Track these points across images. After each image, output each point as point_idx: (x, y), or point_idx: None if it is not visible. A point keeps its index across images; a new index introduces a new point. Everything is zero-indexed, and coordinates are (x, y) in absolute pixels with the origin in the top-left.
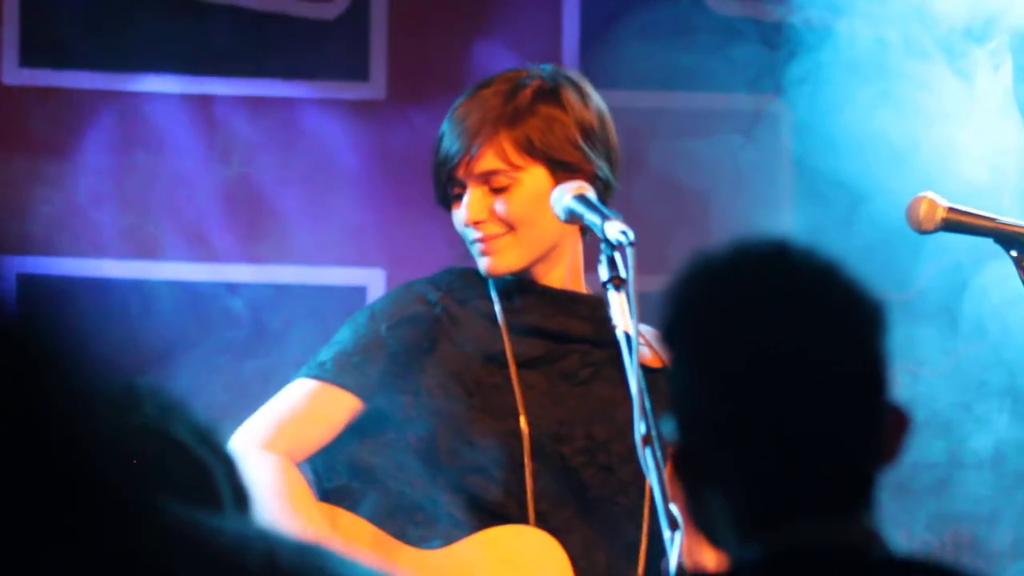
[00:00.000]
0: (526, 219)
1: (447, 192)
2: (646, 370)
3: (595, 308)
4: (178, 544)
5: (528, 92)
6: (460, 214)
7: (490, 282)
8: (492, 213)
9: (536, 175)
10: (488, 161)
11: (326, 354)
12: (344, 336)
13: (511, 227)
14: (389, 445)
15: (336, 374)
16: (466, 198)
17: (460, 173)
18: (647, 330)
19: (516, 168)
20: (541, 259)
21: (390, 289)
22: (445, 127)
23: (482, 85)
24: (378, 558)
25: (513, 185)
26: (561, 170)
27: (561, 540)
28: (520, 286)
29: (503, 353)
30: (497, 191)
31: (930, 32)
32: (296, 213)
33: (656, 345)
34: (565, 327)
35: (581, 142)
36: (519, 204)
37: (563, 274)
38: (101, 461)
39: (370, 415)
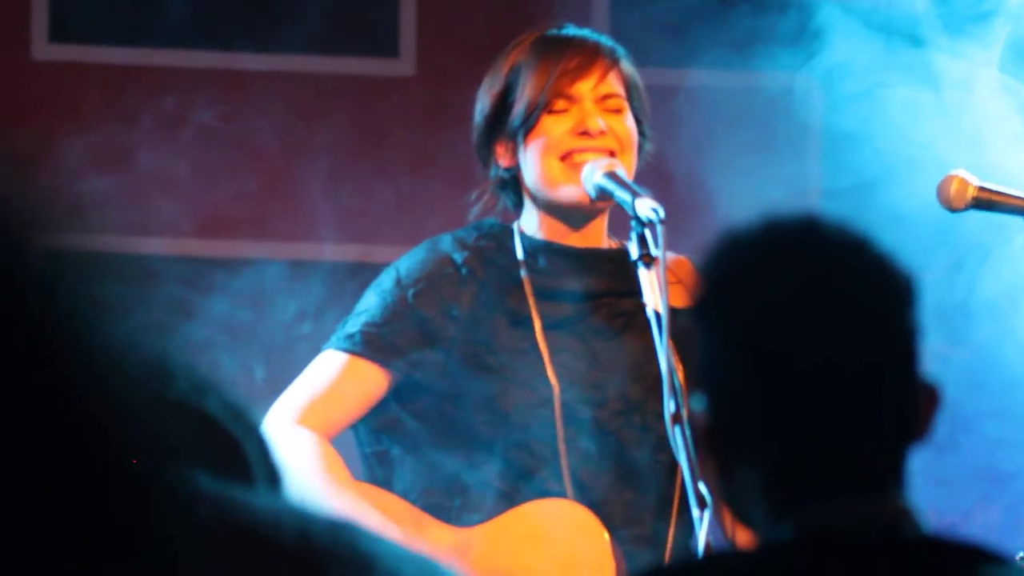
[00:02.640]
0: (629, 146)
1: (544, 105)
2: (676, 311)
3: (618, 261)
4: (211, 520)
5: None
6: (565, 124)
7: (515, 241)
8: (605, 130)
9: (631, 118)
10: (613, 83)
11: (354, 324)
12: (371, 303)
13: (613, 152)
14: (424, 412)
15: (365, 347)
16: (585, 109)
17: (582, 88)
18: (671, 258)
19: (624, 99)
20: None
21: (416, 247)
22: (549, 49)
23: (557, 27)
24: (413, 536)
25: (624, 111)
26: (639, 128)
27: (602, 509)
28: (544, 246)
29: (529, 317)
30: (611, 112)
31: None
32: (323, 190)
33: (685, 276)
34: (589, 285)
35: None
36: (628, 129)
37: (592, 230)
38: (132, 436)
39: (405, 382)
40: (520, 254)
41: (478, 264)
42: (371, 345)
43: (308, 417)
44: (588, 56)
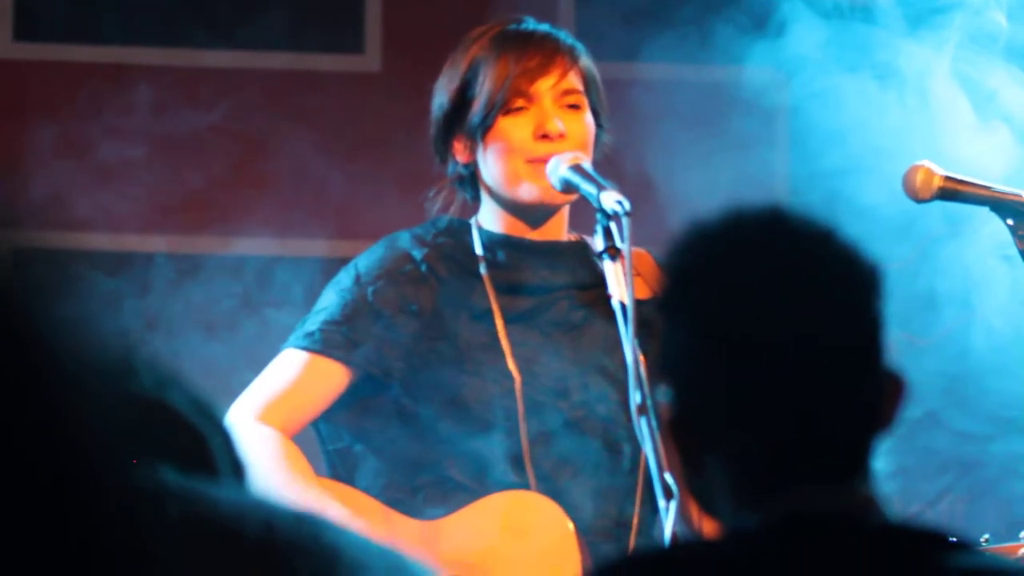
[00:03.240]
0: (587, 146)
1: (503, 104)
2: (639, 303)
3: (577, 253)
4: (177, 515)
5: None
6: (524, 127)
7: (474, 236)
8: (564, 132)
9: (589, 114)
10: (572, 80)
11: (313, 323)
12: (330, 301)
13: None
14: (386, 409)
15: (325, 345)
16: (544, 109)
17: (541, 87)
18: (638, 252)
19: (583, 95)
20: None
21: (374, 245)
22: (508, 46)
23: (516, 22)
24: (378, 529)
25: (583, 108)
26: (597, 121)
27: (566, 500)
28: (503, 240)
29: (490, 312)
30: (571, 108)
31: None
32: (290, 185)
33: (644, 270)
34: (549, 279)
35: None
36: (586, 127)
37: (552, 224)
38: (91, 431)
39: (365, 379)
40: (479, 249)
41: (437, 260)
42: (331, 343)
43: (269, 415)
44: (548, 54)
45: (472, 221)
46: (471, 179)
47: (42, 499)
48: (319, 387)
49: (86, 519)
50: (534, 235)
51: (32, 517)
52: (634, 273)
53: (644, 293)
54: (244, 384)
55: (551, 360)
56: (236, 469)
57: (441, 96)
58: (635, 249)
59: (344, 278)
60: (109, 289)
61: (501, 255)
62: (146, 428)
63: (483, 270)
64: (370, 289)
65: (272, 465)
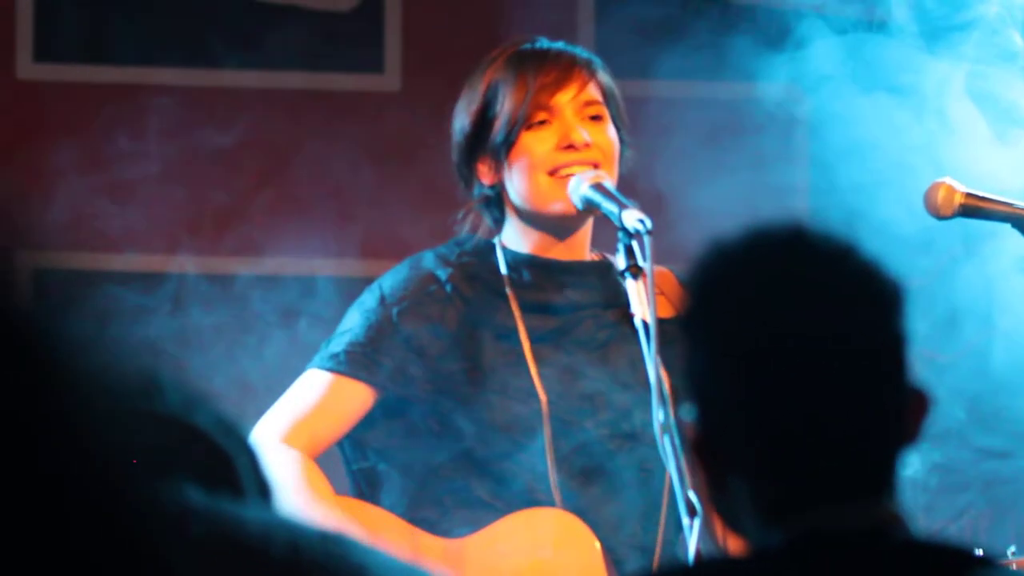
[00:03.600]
0: (613, 156)
1: (525, 120)
2: (662, 322)
3: (601, 271)
4: (203, 534)
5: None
6: (548, 139)
7: (498, 256)
8: (590, 142)
9: (612, 126)
10: (592, 91)
11: (338, 344)
12: (355, 322)
13: (598, 164)
14: (411, 428)
15: (350, 366)
16: (567, 121)
17: (562, 99)
18: (660, 271)
19: (604, 106)
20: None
21: (398, 265)
22: (525, 64)
23: (531, 42)
24: (403, 549)
25: (605, 119)
26: (619, 135)
27: (591, 519)
28: (528, 260)
29: (516, 331)
30: (594, 119)
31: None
32: (310, 205)
33: (668, 288)
34: (575, 298)
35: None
36: (610, 138)
37: (576, 243)
38: (117, 451)
39: (390, 399)
40: (504, 268)
41: (462, 280)
42: (356, 364)
43: (293, 436)
44: (565, 67)
45: (496, 240)
46: (496, 201)
47: (63, 515)
48: (344, 408)
49: (108, 536)
50: (558, 253)
51: (53, 534)
52: (657, 292)
53: (667, 312)
54: (269, 404)
55: (577, 380)
56: (262, 489)
57: (461, 120)
58: (658, 268)
59: (369, 299)
60: (131, 308)
61: (526, 274)
62: (172, 448)
63: (508, 290)
64: (395, 310)
65: (294, 487)
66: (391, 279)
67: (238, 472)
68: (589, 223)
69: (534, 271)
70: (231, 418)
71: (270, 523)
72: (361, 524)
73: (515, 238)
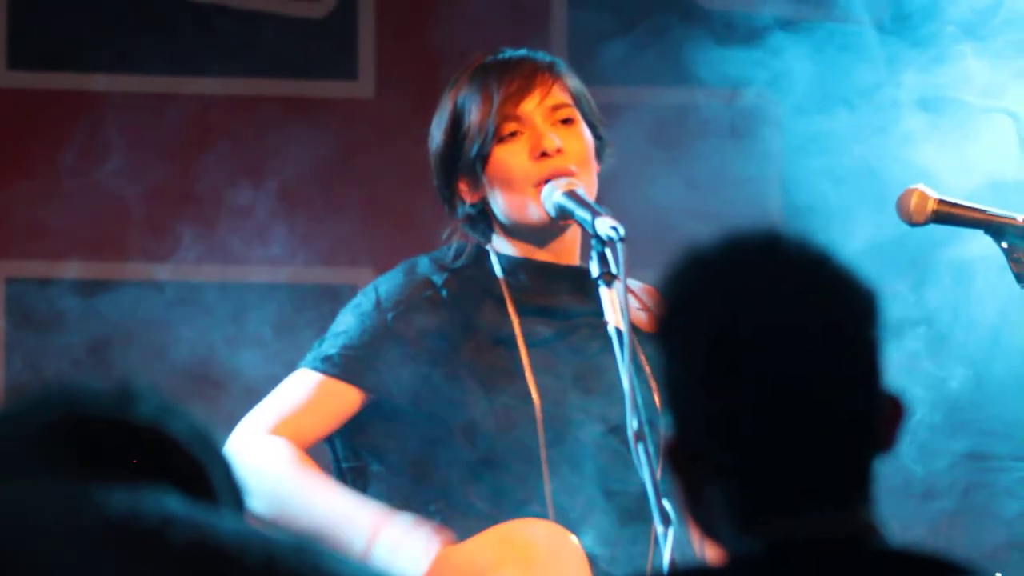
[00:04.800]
0: (587, 160)
1: (495, 133)
2: (642, 335)
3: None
4: (184, 542)
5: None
6: (520, 152)
7: (493, 260)
8: (561, 147)
9: (584, 127)
10: (559, 94)
11: (331, 346)
12: (349, 325)
13: (571, 172)
14: (404, 431)
15: (343, 369)
16: (537, 128)
17: (527, 107)
18: (639, 286)
19: (574, 107)
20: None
21: (393, 270)
22: (488, 76)
23: (493, 54)
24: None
25: (577, 121)
26: (594, 132)
27: (580, 529)
28: (524, 264)
29: (512, 336)
30: (565, 123)
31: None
32: (283, 212)
33: (644, 300)
34: (571, 303)
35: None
36: (584, 140)
37: (566, 248)
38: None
39: (384, 402)
40: (499, 272)
41: (457, 285)
42: (349, 368)
43: (279, 430)
44: (528, 74)
45: (488, 247)
46: (482, 217)
47: None
48: (333, 409)
49: None
50: (547, 258)
51: None
52: (643, 308)
53: (654, 328)
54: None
55: (572, 386)
56: (236, 498)
57: (435, 139)
58: (644, 285)
59: (364, 302)
60: (106, 317)
61: (523, 277)
62: (147, 456)
63: (505, 294)
64: (390, 315)
65: (290, 468)
66: (387, 284)
67: (213, 481)
68: (574, 230)
69: (530, 273)
70: (205, 427)
71: (245, 533)
72: (361, 509)
73: (505, 246)
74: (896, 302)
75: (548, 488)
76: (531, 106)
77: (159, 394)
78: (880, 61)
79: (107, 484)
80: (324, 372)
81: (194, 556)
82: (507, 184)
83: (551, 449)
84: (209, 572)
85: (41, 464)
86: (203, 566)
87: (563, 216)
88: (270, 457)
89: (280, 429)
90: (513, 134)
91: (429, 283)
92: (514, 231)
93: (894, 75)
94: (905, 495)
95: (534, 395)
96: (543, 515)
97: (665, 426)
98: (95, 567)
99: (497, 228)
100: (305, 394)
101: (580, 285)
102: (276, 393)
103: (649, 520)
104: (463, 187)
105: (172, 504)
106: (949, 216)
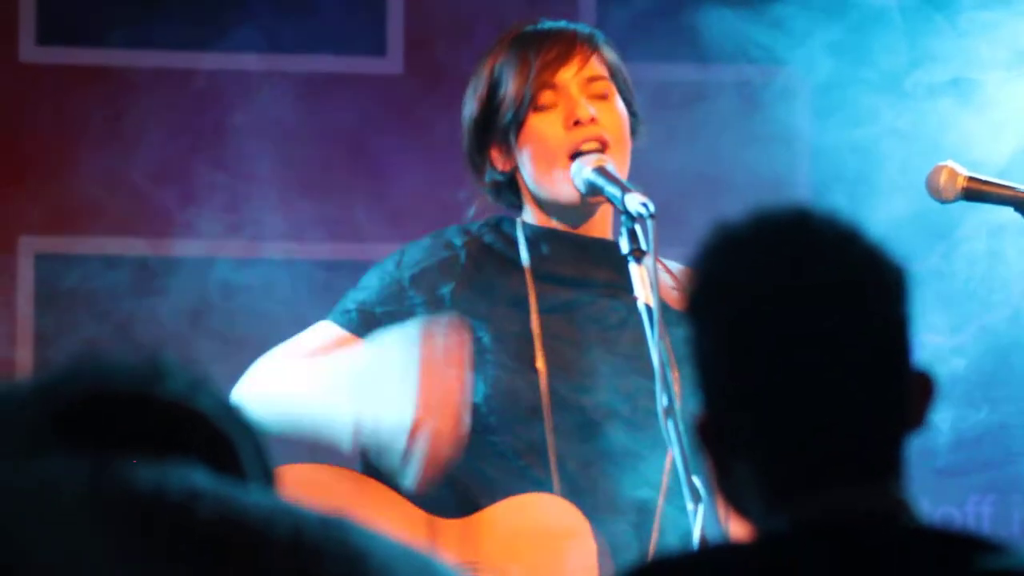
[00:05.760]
0: (621, 134)
1: (531, 100)
2: (671, 312)
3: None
4: (211, 517)
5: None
6: (555, 121)
7: (518, 227)
8: (596, 116)
9: (620, 101)
10: (596, 66)
11: (352, 300)
12: (370, 282)
13: (606, 142)
14: None
15: (358, 325)
16: (572, 97)
17: (565, 76)
18: (677, 267)
19: (610, 81)
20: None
21: (422, 236)
22: (527, 44)
23: (532, 24)
24: (400, 528)
25: (612, 96)
26: (629, 109)
27: (584, 500)
28: (548, 233)
29: (526, 300)
30: (599, 98)
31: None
32: (310, 188)
33: (681, 281)
34: (593, 275)
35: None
36: (619, 115)
37: (595, 224)
38: None
39: None
40: (522, 240)
41: (477, 249)
42: (363, 323)
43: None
44: (567, 43)
45: (517, 219)
46: (511, 185)
47: None
48: None
49: None
50: (576, 230)
51: None
52: (676, 287)
53: (679, 302)
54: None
55: (582, 356)
56: (264, 473)
57: (469, 107)
58: (681, 267)
59: (388, 262)
60: (128, 292)
61: (545, 247)
62: (176, 432)
63: (525, 261)
64: (407, 273)
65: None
66: (412, 246)
67: (240, 456)
68: (604, 209)
69: (553, 243)
70: (233, 401)
71: (273, 507)
72: (362, 500)
73: (534, 217)
74: (926, 276)
75: (553, 453)
76: (568, 75)
77: (187, 369)
78: (907, 31)
79: (134, 459)
80: (341, 324)
81: (221, 531)
82: (539, 152)
83: (556, 415)
84: (236, 547)
85: (68, 439)
86: (230, 541)
87: (592, 192)
88: (284, 368)
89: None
90: (549, 106)
91: (450, 245)
92: (543, 203)
93: (922, 45)
94: (930, 470)
95: (539, 360)
96: (547, 481)
97: (694, 402)
98: (120, 542)
99: (527, 199)
100: (319, 343)
101: (604, 257)
102: (293, 338)
103: (656, 491)
104: (495, 154)
105: (199, 479)
106: (979, 193)
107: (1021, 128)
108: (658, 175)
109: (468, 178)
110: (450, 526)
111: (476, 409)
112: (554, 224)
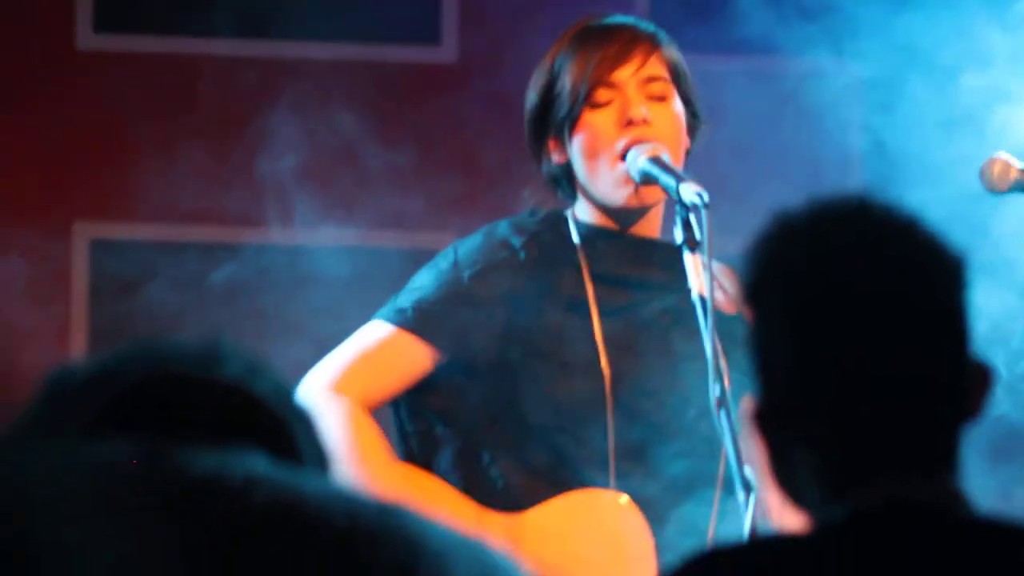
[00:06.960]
0: (676, 135)
1: (587, 96)
2: (722, 317)
3: (675, 253)
4: (267, 502)
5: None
6: (609, 119)
7: (572, 227)
8: (649, 119)
9: (678, 103)
10: (655, 66)
11: (406, 300)
12: (425, 281)
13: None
14: (472, 393)
15: (416, 322)
16: (628, 97)
17: (623, 74)
18: (718, 267)
19: (670, 82)
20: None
21: (475, 232)
22: (588, 40)
23: (597, 19)
24: (468, 524)
25: (669, 98)
26: (689, 110)
27: (639, 498)
28: (603, 233)
29: (585, 303)
30: (656, 99)
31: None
32: (365, 177)
33: (731, 286)
34: (647, 275)
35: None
36: (675, 118)
37: (647, 223)
38: None
39: (454, 363)
40: (576, 239)
41: (535, 248)
42: (422, 322)
43: (345, 384)
44: (627, 41)
45: (567, 213)
46: (566, 178)
47: None
48: (402, 364)
49: None
50: (628, 229)
51: None
52: (719, 287)
53: (731, 308)
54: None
55: (642, 358)
56: (321, 459)
57: (531, 96)
58: (722, 265)
59: (442, 261)
60: (187, 279)
61: (600, 246)
62: (233, 416)
63: (581, 260)
64: (466, 274)
65: (344, 443)
66: (466, 245)
67: (297, 441)
68: (656, 211)
69: (608, 244)
70: (290, 386)
71: (328, 493)
72: (414, 491)
73: (586, 213)
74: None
75: (612, 455)
76: (626, 74)
77: (245, 354)
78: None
79: (192, 443)
80: (397, 324)
81: (277, 516)
82: (590, 149)
83: (618, 417)
84: (292, 533)
85: (126, 423)
86: (286, 526)
87: (647, 181)
88: (328, 428)
89: (347, 381)
90: (605, 104)
91: (507, 244)
92: (595, 199)
93: (978, 34)
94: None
95: (604, 364)
96: (605, 482)
97: (751, 391)
98: (176, 527)
99: (580, 193)
100: (375, 345)
101: (658, 258)
102: (346, 343)
103: (712, 489)
104: (552, 147)
105: (256, 464)
106: None
107: None
108: (713, 165)
109: (530, 170)
110: (503, 521)
111: (539, 408)
112: (608, 221)
